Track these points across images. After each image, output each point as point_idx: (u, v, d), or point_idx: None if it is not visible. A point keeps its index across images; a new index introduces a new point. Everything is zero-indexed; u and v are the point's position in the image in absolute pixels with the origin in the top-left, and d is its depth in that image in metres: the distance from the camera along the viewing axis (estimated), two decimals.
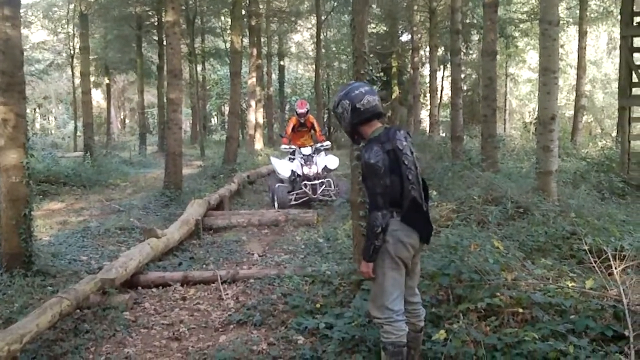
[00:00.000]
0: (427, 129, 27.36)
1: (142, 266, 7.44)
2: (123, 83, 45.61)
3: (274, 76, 38.13)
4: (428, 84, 26.77)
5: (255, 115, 25.81)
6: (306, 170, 12.59)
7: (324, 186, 12.53)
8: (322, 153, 13.33)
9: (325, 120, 29.22)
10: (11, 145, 6.99)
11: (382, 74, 28.64)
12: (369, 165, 3.87)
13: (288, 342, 5.28)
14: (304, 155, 12.92)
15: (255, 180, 16.91)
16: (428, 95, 27.63)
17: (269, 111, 33.87)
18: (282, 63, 36.37)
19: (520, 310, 4.80)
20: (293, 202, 12.27)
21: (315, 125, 14.13)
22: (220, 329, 5.87)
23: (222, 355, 4.99)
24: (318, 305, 5.88)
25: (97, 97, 42.77)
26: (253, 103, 25.44)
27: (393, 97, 31.59)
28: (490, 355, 4.33)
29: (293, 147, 13.32)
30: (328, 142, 13.72)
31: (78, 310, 6.11)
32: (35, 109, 47.54)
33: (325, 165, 12.88)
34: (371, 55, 28.64)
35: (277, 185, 12.72)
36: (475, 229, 7.21)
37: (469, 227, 7.38)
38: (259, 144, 26.06)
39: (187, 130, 40.60)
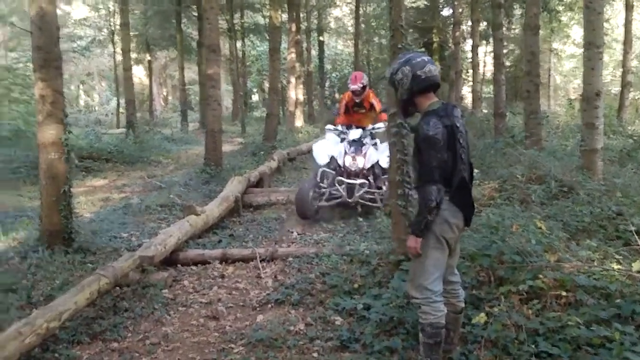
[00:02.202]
0: (470, 105, 26.93)
1: (181, 243, 7.45)
2: (165, 59, 45.76)
3: (314, 52, 37.85)
4: (470, 60, 26.30)
5: (296, 92, 25.67)
6: (348, 161, 9.32)
7: (364, 188, 9.16)
8: (378, 140, 9.89)
9: None
10: (49, 121, 7.01)
11: (423, 49, 28.20)
12: (427, 137, 3.74)
13: (325, 323, 5.24)
14: (350, 139, 9.60)
15: (296, 157, 16.83)
16: (470, 70, 27.15)
17: (308, 88, 33.66)
18: (321, 39, 36.02)
19: (564, 293, 4.66)
20: (323, 204, 9.31)
21: (376, 104, 10.16)
22: (258, 308, 5.85)
23: (259, 335, 4.96)
24: (356, 286, 5.82)
25: (139, 73, 43.04)
26: (293, 79, 25.29)
27: None
28: (531, 340, 4.21)
29: (339, 127, 10.10)
30: (381, 125, 9.68)
31: (117, 288, 6.14)
32: (78, 86, 48.15)
33: (378, 161, 9.47)
34: (411, 30, 28.51)
35: (304, 183, 9.68)
36: (517, 208, 7.03)
37: (512, 207, 7.19)
38: (299, 121, 25.96)
39: (229, 107, 40.70)
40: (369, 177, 9.34)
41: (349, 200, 9.09)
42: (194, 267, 7.17)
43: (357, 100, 10.17)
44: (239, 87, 31.08)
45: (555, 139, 14.72)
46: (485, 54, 30.52)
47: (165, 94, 52.44)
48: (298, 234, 8.67)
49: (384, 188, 9.08)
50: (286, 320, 5.36)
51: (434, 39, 29.80)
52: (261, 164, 13.65)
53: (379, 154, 9.46)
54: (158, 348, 4.99)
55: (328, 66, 40.71)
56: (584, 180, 8.14)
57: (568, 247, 5.56)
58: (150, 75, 35.55)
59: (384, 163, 9.07)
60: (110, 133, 23.96)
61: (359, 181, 9.16)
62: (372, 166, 9.42)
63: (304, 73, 30.51)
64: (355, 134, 9.68)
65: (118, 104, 31.15)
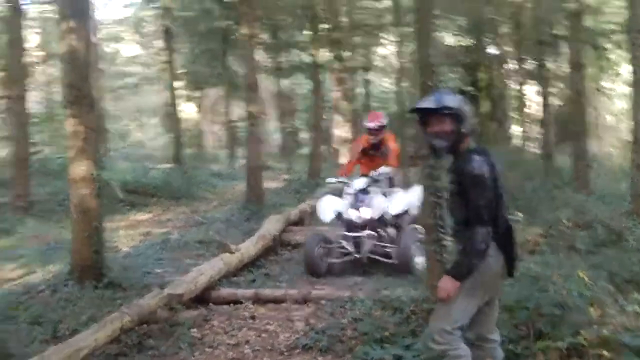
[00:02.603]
0: (521, 144, 26.45)
1: (214, 281, 7.35)
2: (214, 97, 46.47)
3: (360, 90, 37.86)
4: (517, 98, 25.92)
5: (340, 129, 25.63)
6: (352, 213, 8.33)
7: (373, 241, 8.26)
8: (385, 185, 8.89)
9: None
10: (81, 157, 7.04)
11: (471, 87, 27.91)
12: (475, 176, 3.59)
13: None
14: (354, 190, 8.55)
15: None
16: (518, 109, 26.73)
17: (354, 125, 33.60)
18: (366, 77, 36.03)
19: (605, 353, 4.34)
20: (334, 261, 8.46)
21: (390, 148, 9.07)
22: (286, 353, 5.66)
23: None
24: (387, 334, 5.55)
25: (190, 109, 43.71)
26: (337, 117, 25.31)
27: (482, 111, 30.71)
28: None
29: (345, 179, 8.92)
30: (386, 168, 8.77)
31: (145, 325, 6.05)
32: (129, 122, 49.07)
33: (387, 208, 8.46)
34: (456, 69, 28.31)
35: (309, 239, 8.61)
36: (561, 256, 6.71)
37: (556, 254, 6.89)
38: (344, 159, 25.86)
39: (279, 143, 40.87)
40: (378, 229, 8.40)
41: (358, 256, 8.22)
42: (225, 307, 7.03)
43: (373, 141, 9.10)
44: (287, 124, 31.20)
45: (605, 182, 14.26)
46: (535, 93, 30.04)
47: (215, 130, 53.10)
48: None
49: (397, 233, 8.42)
50: None
51: (482, 77, 29.55)
52: (303, 202, 13.53)
53: (388, 200, 8.54)
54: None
55: (374, 104, 40.64)
56: (634, 226, 7.77)
57: (616, 301, 5.22)
58: (200, 112, 35.99)
59: (395, 208, 8.48)
60: (159, 168, 24.22)
61: (365, 233, 8.22)
62: (382, 217, 8.43)
63: (349, 111, 30.49)
64: (359, 182, 8.69)
65: (167, 140, 31.54)
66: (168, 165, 24.84)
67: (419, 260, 7.68)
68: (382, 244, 8.30)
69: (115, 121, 46.69)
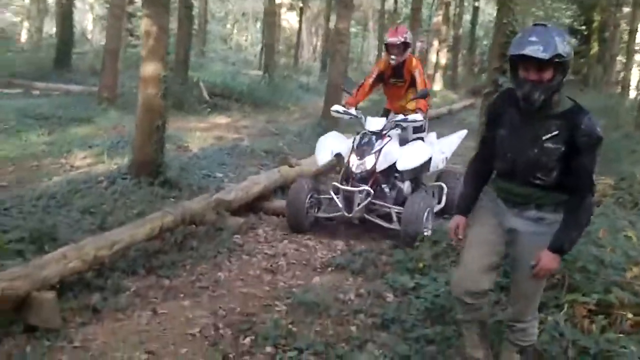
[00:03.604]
0: (622, 91, 25.15)
1: (268, 192, 7.46)
2: (317, 9, 45.99)
3: (467, 17, 36.59)
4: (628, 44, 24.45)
5: (438, 55, 25.01)
6: (353, 160, 6.56)
7: (369, 199, 6.49)
8: (408, 132, 7.06)
9: None
10: (151, 57, 7.14)
11: (584, 27, 26.54)
12: (599, 138, 3.02)
13: (377, 297, 5.03)
14: (365, 131, 6.75)
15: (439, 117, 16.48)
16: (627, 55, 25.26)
17: (455, 53, 32.71)
18: (476, 4, 34.73)
19: (630, 315, 4.18)
20: (322, 215, 6.96)
21: (419, 77, 7.07)
22: (318, 270, 5.75)
23: (304, 298, 4.84)
24: (421, 265, 5.52)
25: (293, 19, 43.54)
26: (436, 42, 24.64)
27: (591, 53, 29.23)
28: (581, 359, 3.81)
29: (354, 111, 7.01)
30: (418, 116, 6.74)
31: (194, 226, 6.23)
32: (233, 25, 49.46)
33: (395, 162, 6.63)
34: (574, 6, 26.82)
35: (298, 184, 6.91)
36: (622, 212, 6.39)
37: (619, 210, 6.56)
38: (437, 85, 25.36)
39: (371, 61, 40.42)
40: (382, 185, 6.67)
41: (347, 215, 6.48)
42: (275, 218, 7.17)
43: (394, 63, 7.13)
44: (380, 42, 30.64)
45: None
46: None
47: (314, 43, 52.82)
48: None
49: (413, 202, 6.47)
50: (339, 287, 5.21)
51: (595, 18, 27.96)
52: None
53: (401, 151, 6.73)
54: (204, 292, 4.99)
55: (480, 32, 39.29)
56: None
57: None
58: (300, 22, 35.79)
59: (405, 163, 6.64)
60: (250, 74, 24.42)
61: (359, 188, 6.42)
62: (391, 170, 6.70)
63: (451, 37, 29.64)
64: (375, 123, 6.77)
65: (262, 46, 31.64)
66: (258, 72, 25.05)
67: (427, 229, 6.33)
68: (383, 203, 6.64)
69: (218, 23, 47.43)
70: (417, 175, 7.09)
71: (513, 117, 3.19)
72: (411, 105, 7.03)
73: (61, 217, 5.99)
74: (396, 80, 7.31)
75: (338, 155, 6.97)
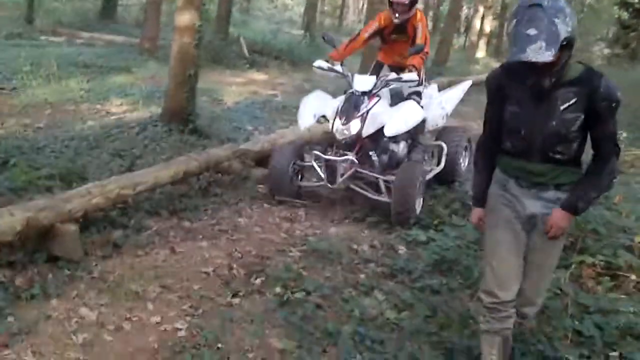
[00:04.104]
0: None
1: None
2: None
3: None
4: None
5: (482, 22, 24.65)
6: (337, 124, 5.78)
7: (353, 168, 5.83)
8: (403, 88, 6.36)
9: None
10: (187, 6, 7.23)
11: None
12: (618, 101, 2.83)
13: (389, 249, 5.16)
14: (353, 91, 5.92)
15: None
16: None
17: (501, 21, 32.12)
18: None
19: (634, 277, 4.23)
20: (307, 184, 6.36)
21: (420, 32, 6.41)
22: (336, 221, 5.87)
23: (318, 245, 4.99)
24: (436, 222, 5.62)
25: None
26: (481, 9, 24.27)
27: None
28: (580, 316, 3.89)
29: (339, 67, 6.24)
30: (413, 75, 5.96)
31: (219, 175, 6.40)
32: None
33: (383, 127, 5.82)
34: None
35: (281, 151, 6.29)
36: None
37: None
38: (480, 52, 25.06)
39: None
40: (370, 152, 5.99)
41: (330, 186, 5.92)
42: None
43: (397, 20, 6.38)
44: (428, 8, 30.29)
45: None
46: None
47: (360, 5, 52.31)
48: None
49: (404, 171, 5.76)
50: (354, 239, 5.34)
51: None
52: None
53: (390, 114, 5.94)
54: (223, 235, 5.16)
55: None
56: None
57: None
58: None
59: (393, 128, 5.80)
60: (293, 33, 24.42)
61: (342, 158, 5.76)
62: (379, 134, 5.89)
63: (497, 3, 29.13)
64: (363, 82, 5.95)
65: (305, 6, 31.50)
66: (301, 32, 25.02)
67: (418, 202, 5.80)
68: (371, 173, 5.94)
69: None
70: (412, 134, 6.36)
71: (521, 91, 2.93)
72: (407, 60, 6.27)
73: (91, 159, 6.23)
74: (398, 36, 6.63)
75: (323, 117, 6.23)
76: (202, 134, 7.48)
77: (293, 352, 3.53)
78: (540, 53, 2.59)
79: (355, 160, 5.79)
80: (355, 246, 5.15)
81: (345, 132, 5.73)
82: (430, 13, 31.52)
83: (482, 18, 24.45)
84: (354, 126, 5.71)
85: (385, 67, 6.77)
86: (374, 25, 6.59)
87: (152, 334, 3.60)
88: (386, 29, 6.62)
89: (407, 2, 6.28)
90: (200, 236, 5.07)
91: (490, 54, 27.86)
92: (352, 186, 6.02)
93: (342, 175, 5.80)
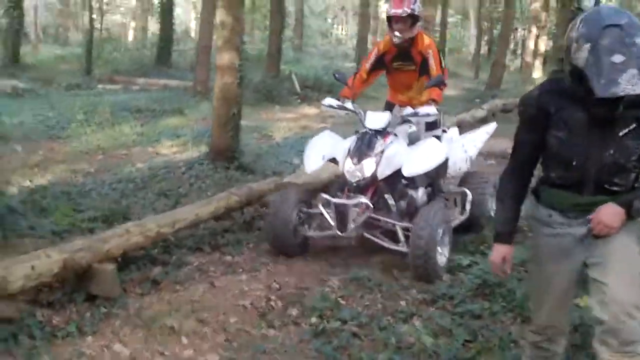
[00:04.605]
0: None
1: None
2: None
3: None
4: None
5: (536, 42, 24.31)
6: (348, 165, 5.17)
7: (367, 214, 5.08)
8: (420, 130, 5.66)
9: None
10: (227, 47, 7.42)
11: None
12: None
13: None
14: (365, 130, 5.34)
15: (514, 108, 16.02)
16: None
17: (556, 40, 31.66)
18: None
19: None
20: (313, 234, 5.53)
21: (432, 60, 5.56)
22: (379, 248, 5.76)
23: (359, 274, 4.89)
24: (482, 247, 5.44)
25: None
26: (534, 29, 23.95)
27: None
28: None
29: (350, 104, 5.67)
30: (430, 109, 5.29)
31: (264, 208, 6.42)
32: (333, 19, 49.83)
33: (400, 169, 5.18)
34: None
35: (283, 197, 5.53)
36: None
37: None
38: (537, 73, 24.66)
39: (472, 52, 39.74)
40: (385, 195, 5.32)
41: (340, 234, 5.16)
42: None
43: (398, 41, 5.60)
44: (481, 31, 30.09)
45: None
46: None
47: None
48: None
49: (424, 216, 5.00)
50: (398, 266, 5.19)
51: None
52: (466, 112, 13.24)
53: (408, 153, 5.28)
54: (263, 268, 5.14)
55: None
56: None
57: None
58: None
59: (413, 167, 5.18)
60: (344, 66, 24.60)
61: (353, 201, 5.03)
62: (397, 176, 5.25)
63: (551, 22, 28.72)
64: (376, 119, 5.37)
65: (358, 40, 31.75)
66: (354, 64, 25.21)
67: (443, 253, 5.08)
68: (386, 219, 5.26)
69: (317, 18, 47.93)
70: (433, 180, 5.67)
71: (572, 114, 2.55)
72: (422, 96, 5.55)
73: (137, 199, 6.38)
74: (402, 63, 5.78)
75: (332, 161, 5.53)
76: (247, 169, 7.57)
77: None
78: (636, 83, 2.25)
79: (370, 204, 5.05)
80: (396, 273, 5.06)
81: (358, 173, 5.09)
82: (485, 37, 31.32)
83: (537, 38, 24.09)
84: (368, 167, 5.08)
85: (397, 107, 5.89)
86: (374, 53, 5.93)
87: None
88: (387, 55, 5.82)
89: (405, 15, 5.47)
90: (241, 269, 5.08)
91: (547, 73, 27.40)
92: (366, 234, 5.23)
93: (354, 221, 5.05)
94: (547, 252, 2.75)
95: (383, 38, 5.80)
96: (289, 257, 5.37)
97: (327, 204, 5.21)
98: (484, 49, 30.78)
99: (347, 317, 4.16)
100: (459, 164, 6.00)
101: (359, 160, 5.09)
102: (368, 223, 5.18)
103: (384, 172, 5.13)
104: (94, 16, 21.14)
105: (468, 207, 5.87)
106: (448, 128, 6.37)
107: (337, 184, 5.53)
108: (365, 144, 5.16)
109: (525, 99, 2.76)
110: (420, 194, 5.50)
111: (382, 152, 5.14)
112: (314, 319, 4.18)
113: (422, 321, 4.17)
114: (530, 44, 24.16)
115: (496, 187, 5.80)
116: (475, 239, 5.70)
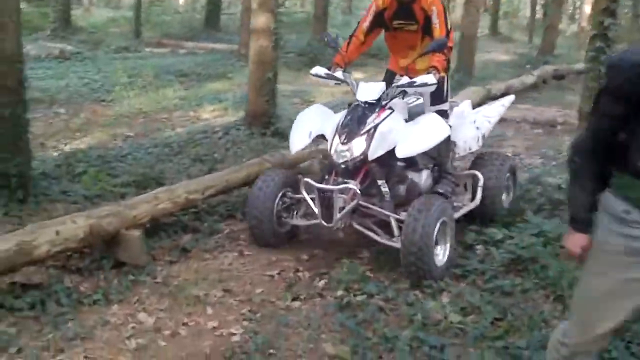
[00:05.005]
0: None
1: None
2: None
3: None
4: None
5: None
6: (335, 144, 4.43)
7: (355, 201, 4.34)
8: (424, 102, 4.94)
9: None
10: (262, 9, 7.33)
11: None
12: None
13: (465, 249, 4.88)
14: (357, 103, 4.59)
15: (566, 75, 15.53)
16: None
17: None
18: None
19: None
20: (299, 222, 4.90)
21: (436, 17, 4.74)
22: None
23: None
24: (518, 218, 5.27)
25: None
26: None
27: None
28: None
29: (340, 73, 4.89)
30: (430, 77, 4.44)
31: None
32: None
33: (394, 148, 4.40)
34: None
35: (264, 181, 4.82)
36: None
37: None
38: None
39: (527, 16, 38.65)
40: (378, 181, 4.55)
41: (326, 224, 4.41)
42: None
43: None
44: None
45: None
46: None
47: None
48: (512, 156, 8.06)
49: (415, 207, 4.25)
50: None
51: None
52: (516, 77, 12.90)
53: (404, 130, 4.50)
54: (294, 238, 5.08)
55: None
56: None
57: None
58: None
59: (403, 150, 4.39)
60: None
61: (339, 187, 4.33)
62: (392, 157, 4.47)
63: None
64: (369, 90, 4.60)
65: None
66: None
67: (441, 250, 4.40)
68: (380, 209, 4.51)
69: None
70: (439, 160, 5.02)
71: None
72: (422, 63, 4.79)
73: (172, 164, 6.37)
74: (403, 22, 4.94)
75: (321, 138, 4.82)
76: (284, 135, 7.46)
77: (346, 358, 3.40)
78: None
79: (358, 191, 4.34)
80: None
81: (346, 153, 4.36)
82: (542, 1, 30.35)
83: (593, 2, 23.25)
84: (357, 146, 4.35)
85: (397, 76, 5.05)
86: (372, 9, 5.02)
87: (207, 339, 3.58)
88: (387, 11, 4.95)
89: None
90: None
91: None
92: (356, 225, 4.53)
93: (341, 210, 4.35)
94: (615, 256, 2.27)
95: None
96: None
97: (310, 189, 4.48)
98: (540, 13, 29.79)
99: (373, 291, 4.09)
100: (469, 142, 5.31)
101: (349, 139, 4.36)
102: (359, 212, 4.54)
103: (376, 152, 4.37)
104: None
105: (479, 193, 5.14)
106: (458, 102, 5.79)
107: (325, 166, 4.77)
108: (355, 120, 4.44)
109: (620, 62, 2.19)
110: (424, 176, 4.84)
111: (375, 128, 4.38)
112: (340, 292, 4.12)
113: (451, 297, 4.07)
114: (586, 9, 23.30)
115: (515, 169, 5.62)
116: (511, 210, 5.50)
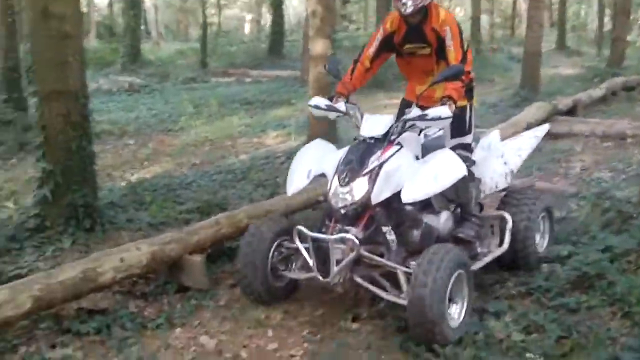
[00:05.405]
0: None
1: None
2: None
3: None
4: None
5: None
6: (334, 187, 3.90)
7: (353, 253, 3.73)
8: (445, 135, 4.33)
9: None
10: (318, 36, 7.48)
11: None
12: None
13: (531, 268, 4.78)
14: (361, 138, 4.07)
15: (637, 86, 15.07)
16: None
17: None
18: None
19: None
20: (296, 276, 4.26)
21: (450, 39, 4.12)
22: None
23: None
24: (586, 236, 5.10)
25: None
26: None
27: None
28: None
29: (342, 105, 4.29)
30: (445, 110, 3.82)
31: None
32: (450, 2, 48.84)
33: (401, 190, 3.84)
34: None
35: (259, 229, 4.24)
36: None
37: None
38: None
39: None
40: (383, 228, 3.98)
41: (322, 278, 3.86)
42: None
43: (406, 11, 4.14)
44: (604, 6, 28.51)
45: None
46: None
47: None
48: (581, 170, 7.90)
49: (425, 257, 3.64)
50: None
51: None
52: (582, 91, 12.60)
53: (417, 171, 3.93)
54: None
55: None
56: None
57: None
58: None
59: (410, 193, 3.83)
60: None
61: (336, 236, 3.82)
62: (397, 200, 3.90)
63: None
64: (373, 124, 4.09)
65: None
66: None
67: (456, 309, 3.82)
68: (385, 261, 3.92)
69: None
70: (460, 201, 4.43)
71: None
72: (440, 90, 4.20)
73: (235, 190, 6.49)
74: (414, 45, 4.38)
75: (322, 177, 4.27)
76: None
77: None
78: None
79: (356, 241, 3.76)
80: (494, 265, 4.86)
81: (347, 196, 3.83)
82: (609, 12, 29.68)
83: None
84: (359, 188, 3.83)
85: (414, 106, 4.27)
86: (378, 34, 4.49)
87: None
88: (396, 35, 4.42)
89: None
90: None
91: None
92: (357, 278, 3.92)
93: (339, 262, 3.82)
94: None
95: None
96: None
97: (304, 239, 3.94)
98: (609, 25, 29.12)
99: None
100: (496, 179, 4.81)
101: (349, 179, 3.85)
102: (363, 264, 3.98)
103: (380, 195, 3.86)
104: (212, 11, 21.72)
105: (507, 236, 4.54)
106: (486, 133, 5.26)
107: (325, 211, 4.17)
108: (357, 158, 3.92)
109: None
110: (442, 220, 4.27)
111: (380, 167, 3.87)
112: (400, 312, 4.08)
113: (515, 316, 3.98)
114: None
115: (551, 209, 5.08)
116: (578, 226, 5.36)
